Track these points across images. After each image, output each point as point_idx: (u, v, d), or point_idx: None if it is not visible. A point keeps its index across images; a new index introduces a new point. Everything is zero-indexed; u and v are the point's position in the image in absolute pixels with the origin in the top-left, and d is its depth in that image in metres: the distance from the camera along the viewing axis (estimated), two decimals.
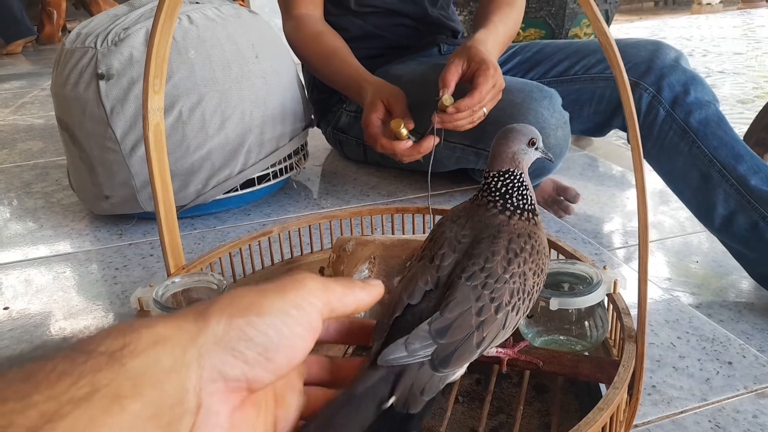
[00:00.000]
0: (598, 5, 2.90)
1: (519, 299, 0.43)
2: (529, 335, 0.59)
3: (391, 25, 1.36)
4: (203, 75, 1.03)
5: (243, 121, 1.08)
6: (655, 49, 1.22)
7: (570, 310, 0.55)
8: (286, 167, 1.19)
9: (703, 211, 1.16)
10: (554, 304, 0.53)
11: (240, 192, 1.12)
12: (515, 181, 0.48)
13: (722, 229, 1.10)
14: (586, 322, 0.55)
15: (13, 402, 0.20)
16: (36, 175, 1.47)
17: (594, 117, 1.29)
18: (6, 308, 0.86)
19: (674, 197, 1.15)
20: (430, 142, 0.92)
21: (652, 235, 1.13)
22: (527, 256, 0.44)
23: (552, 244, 0.68)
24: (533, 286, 0.45)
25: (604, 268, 0.57)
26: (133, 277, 0.93)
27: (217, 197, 1.09)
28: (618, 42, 1.28)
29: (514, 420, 0.56)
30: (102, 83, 1.00)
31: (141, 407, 0.22)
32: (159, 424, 0.23)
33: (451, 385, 0.60)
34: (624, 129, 1.26)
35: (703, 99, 1.17)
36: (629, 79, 1.31)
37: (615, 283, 0.55)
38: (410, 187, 1.27)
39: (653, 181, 1.22)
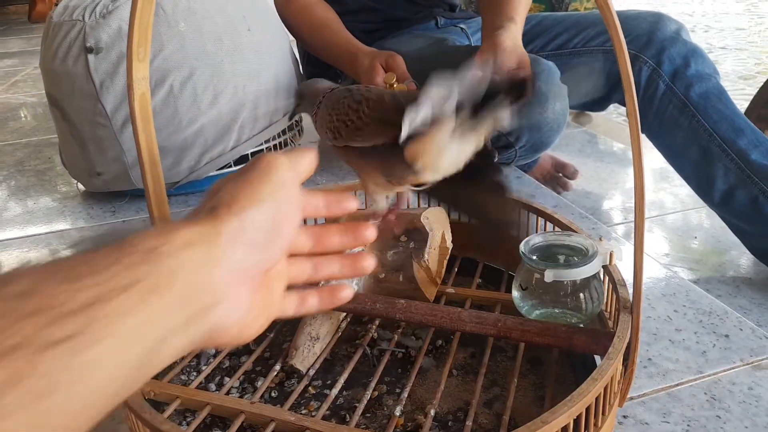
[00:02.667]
0: None
1: None
2: (524, 308, 0.58)
3: None
4: (194, 48, 1.01)
5: (236, 95, 1.06)
6: (655, 20, 1.19)
7: (565, 282, 0.54)
8: (280, 143, 1.18)
9: (703, 186, 1.14)
10: (549, 275, 0.52)
11: (234, 168, 1.11)
12: None
13: (722, 204, 1.08)
14: (581, 294, 0.54)
15: (68, 284, 0.24)
16: (28, 153, 1.45)
17: (593, 91, 1.27)
18: None
19: (674, 175, 1.14)
20: None
21: (652, 211, 1.12)
22: None
23: (548, 217, 0.67)
24: None
25: (600, 239, 0.56)
26: None
27: (211, 173, 1.08)
28: (618, 14, 1.25)
29: (509, 392, 0.56)
30: (91, 57, 0.98)
31: (174, 297, 0.27)
32: (189, 311, 0.28)
33: (445, 358, 0.60)
34: (624, 104, 1.24)
35: (704, 72, 1.14)
36: (629, 52, 1.29)
37: (611, 255, 0.54)
38: None
39: (654, 158, 1.21)
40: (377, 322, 0.64)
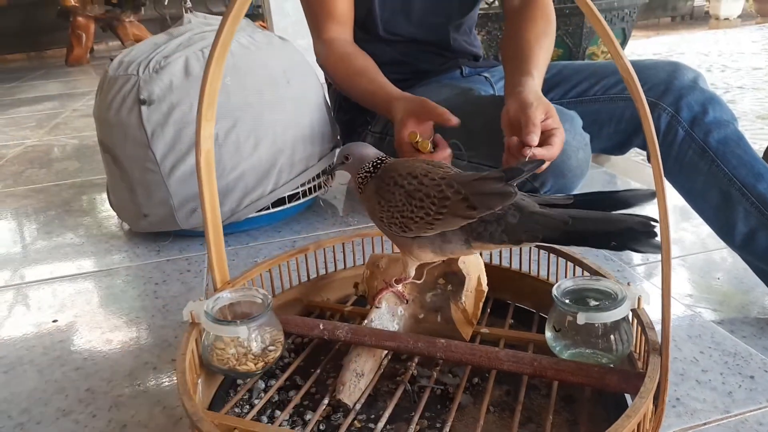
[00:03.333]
0: (614, 23, 2.90)
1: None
2: (557, 348, 0.62)
3: (416, 51, 1.41)
4: (238, 100, 1.09)
5: (275, 143, 1.13)
6: (672, 69, 1.25)
7: (596, 325, 0.58)
8: (314, 186, 1.24)
9: (724, 228, 1.18)
10: (581, 318, 0.56)
11: (271, 210, 1.17)
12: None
13: (743, 247, 1.11)
14: (612, 336, 0.58)
15: None
16: (74, 194, 1.54)
17: (614, 136, 1.32)
18: (55, 321, 0.91)
19: (694, 214, 1.17)
20: (445, 153, 0.95)
21: (674, 251, 1.15)
22: None
23: (576, 261, 0.71)
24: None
25: (628, 284, 0.60)
26: (173, 292, 0.98)
27: (250, 215, 1.14)
28: (635, 64, 1.31)
29: (544, 429, 0.59)
30: (144, 108, 1.06)
31: None
32: None
33: (482, 395, 0.64)
34: (643, 148, 1.29)
35: (722, 118, 1.19)
36: (648, 100, 1.35)
37: (639, 299, 0.58)
38: None
39: (674, 197, 1.24)
40: (416, 360, 0.68)
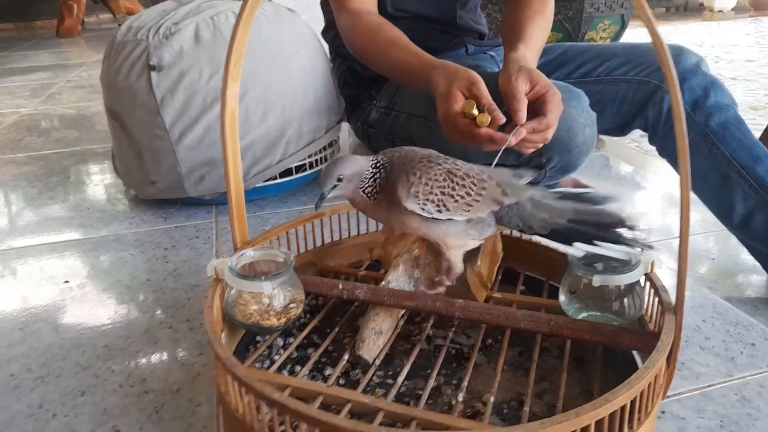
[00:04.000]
0: (614, 9, 2.90)
1: None
2: (570, 311, 0.64)
3: (423, 29, 1.41)
4: (248, 69, 1.08)
5: (284, 113, 1.13)
6: (676, 53, 1.26)
7: (611, 287, 0.60)
8: (321, 158, 1.25)
9: (722, 210, 1.20)
10: (597, 280, 0.58)
11: (278, 180, 1.18)
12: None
13: (741, 228, 1.14)
14: (625, 299, 0.60)
15: None
16: (75, 162, 1.53)
17: (616, 118, 1.34)
18: (66, 282, 0.92)
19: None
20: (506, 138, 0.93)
21: (668, 234, 1.18)
22: None
23: None
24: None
25: (641, 251, 0.62)
26: (183, 257, 0.98)
27: (257, 185, 1.15)
28: (640, 46, 1.33)
29: (557, 387, 0.61)
30: (153, 74, 1.06)
31: None
32: None
33: (495, 355, 0.66)
34: (645, 129, 1.31)
35: (723, 102, 1.21)
36: (651, 82, 1.36)
37: (652, 264, 0.60)
38: None
39: (669, 184, 1.27)
40: (431, 322, 0.70)
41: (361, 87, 1.44)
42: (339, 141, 1.35)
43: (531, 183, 1.28)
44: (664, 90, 1.24)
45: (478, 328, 0.71)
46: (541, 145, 0.97)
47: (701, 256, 1.06)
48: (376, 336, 0.64)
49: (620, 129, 1.36)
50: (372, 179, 0.62)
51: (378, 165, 0.62)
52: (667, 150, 1.27)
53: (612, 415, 0.43)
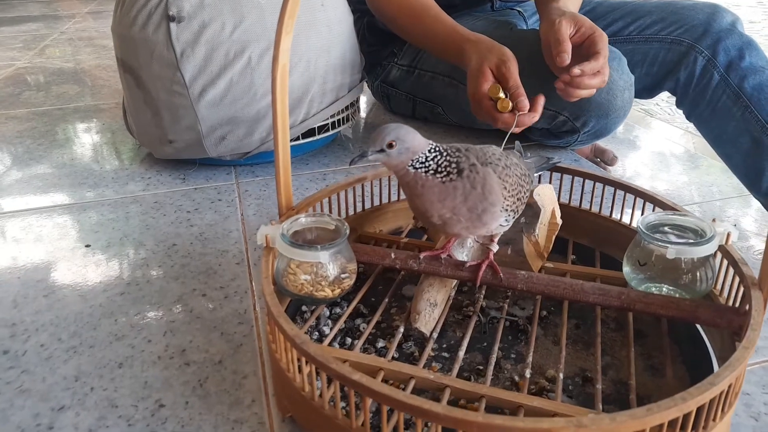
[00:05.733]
0: None
1: None
2: (634, 282, 0.61)
3: None
4: (273, 21, 1.02)
5: (308, 69, 1.08)
6: (712, 11, 1.21)
7: (684, 260, 0.57)
8: (342, 119, 1.20)
9: (751, 175, 1.18)
10: (672, 252, 0.55)
11: (301, 141, 1.13)
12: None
13: None
14: (698, 272, 0.57)
15: None
16: (79, 118, 1.46)
17: (645, 78, 1.29)
18: (88, 245, 0.88)
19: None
20: (535, 116, 0.91)
21: (687, 198, 1.15)
22: None
23: (648, 197, 0.70)
24: None
25: (713, 220, 0.59)
26: (208, 220, 0.94)
27: None
28: (675, 4, 1.28)
29: (620, 362, 0.59)
30: (173, 25, 0.99)
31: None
32: None
33: (552, 328, 0.63)
34: (673, 92, 1.26)
35: (758, 64, 1.17)
36: (685, 42, 1.31)
37: (728, 235, 0.57)
38: (460, 142, 1.28)
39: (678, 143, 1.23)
40: (483, 292, 0.67)
41: (381, 44, 1.38)
42: (359, 101, 1.30)
43: (561, 147, 1.26)
44: (697, 50, 1.19)
45: (530, 298, 0.68)
46: (596, 87, 0.94)
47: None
48: (432, 308, 0.61)
49: (648, 91, 1.32)
50: (433, 161, 0.54)
51: (439, 150, 0.55)
52: (697, 114, 1.23)
53: (712, 399, 0.41)
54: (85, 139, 1.33)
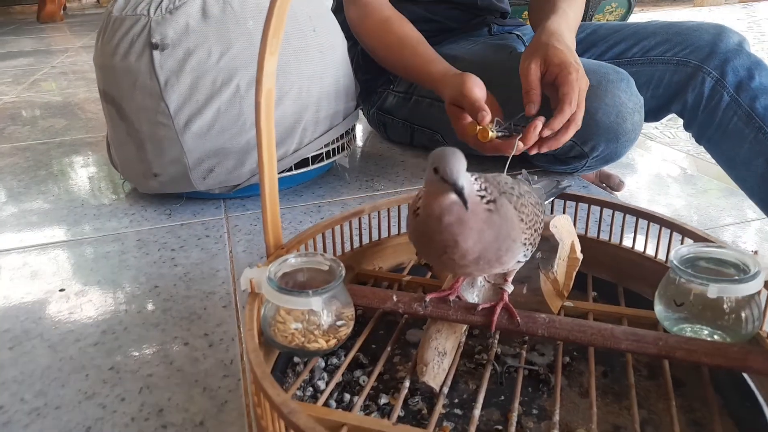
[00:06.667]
0: None
1: None
2: (667, 323, 0.54)
3: (442, 10, 1.31)
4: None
5: (300, 96, 1.02)
6: (718, 32, 1.17)
7: (725, 299, 0.50)
8: (337, 147, 1.14)
9: (767, 199, 1.12)
10: (713, 291, 0.49)
11: (294, 172, 1.07)
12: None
13: None
14: (743, 313, 0.50)
15: None
16: (64, 153, 1.41)
17: (650, 101, 1.24)
18: (62, 290, 0.81)
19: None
20: (513, 143, 0.86)
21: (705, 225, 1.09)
22: None
23: (676, 227, 0.64)
24: None
25: (754, 252, 0.52)
26: (193, 259, 0.87)
27: None
28: (679, 25, 1.23)
29: (658, 417, 0.52)
30: (156, 53, 0.94)
31: None
32: None
33: (576, 377, 0.56)
34: (681, 114, 1.21)
35: None
36: (691, 63, 1.26)
37: None
38: None
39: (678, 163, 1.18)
40: (498, 336, 0.60)
41: (376, 71, 1.33)
42: (355, 129, 1.24)
43: (568, 173, 1.20)
44: (705, 71, 1.14)
45: (551, 342, 0.61)
46: (571, 135, 0.89)
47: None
48: (440, 358, 0.54)
49: (654, 114, 1.27)
50: (477, 183, 0.47)
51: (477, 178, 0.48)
52: (707, 137, 1.18)
53: None
54: (68, 174, 1.27)
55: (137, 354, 0.66)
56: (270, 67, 0.51)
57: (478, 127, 0.85)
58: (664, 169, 1.39)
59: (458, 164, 0.43)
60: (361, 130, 1.53)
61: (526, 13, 2.23)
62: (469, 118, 0.90)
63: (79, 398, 0.60)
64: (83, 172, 1.27)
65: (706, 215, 1.12)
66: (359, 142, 1.45)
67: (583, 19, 2.38)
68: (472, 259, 0.47)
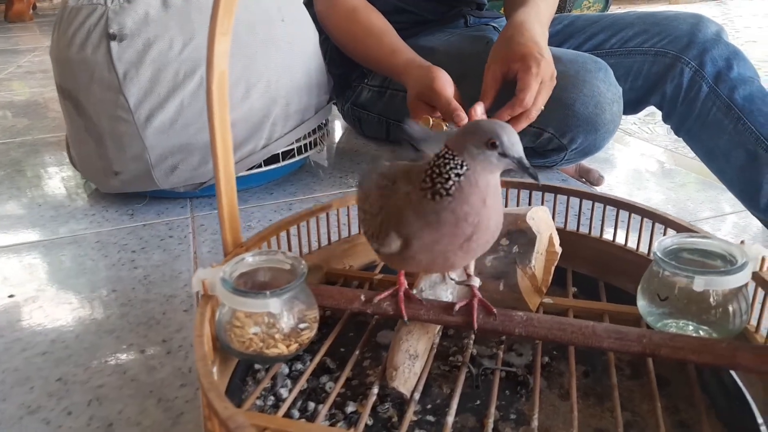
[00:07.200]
0: None
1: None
2: (651, 319, 0.51)
3: (419, 1, 1.27)
4: None
5: (269, 90, 0.98)
6: (696, 22, 1.15)
7: (712, 292, 0.47)
8: (309, 143, 1.10)
9: (747, 191, 1.10)
10: (700, 283, 0.46)
11: (263, 169, 1.02)
12: (449, 161, 0.43)
13: None
14: (730, 306, 0.47)
15: None
16: (26, 153, 1.34)
17: (629, 93, 1.22)
18: (11, 296, 0.75)
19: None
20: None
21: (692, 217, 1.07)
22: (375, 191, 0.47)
23: (658, 218, 0.61)
24: (362, 218, 0.49)
25: (741, 242, 0.49)
26: (155, 261, 0.83)
27: (239, 174, 0.99)
28: (657, 15, 1.21)
29: (643, 419, 0.49)
30: (114, 44, 0.89)
31: None
32: None
33: (555, 378, 0.53)
34: (660, 107, 1.19)
35: (746, 74, 1.11)
36: (670, 53, 1.24)
37: (762, 260, 0.48)
38: None
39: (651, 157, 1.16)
40: (473, 337, 0.57)
41: (350, 64, 1.29)
42: (328, 124, 1.20)
43: (547, 167, 1.17)
44: (683, 62, 1.12)
45: (529, 342, 0.58)
46: (521, 127, 0.87)
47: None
48: (412, 361, 0.50)
49: (633, 106, 1.24)
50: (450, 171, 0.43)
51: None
52: (686, 128, 1.16)
53: None
54: (27, 175, 1.21)
55: (88, 363, 0.62)
56: (222, 47, 0.47)
57: (431, 121, 0.82)
58: (642, 164, 1.38)
59: (518, 138, 0.42)
60: (336, 125, 1.49)
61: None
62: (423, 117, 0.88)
63: (20, 413, 0.55)
64: (43, 173, 1.21)
65: (684, 209, 1.10)
66: (334, 137, 1.41)
67: (562, 12, 2.37)
68: (483, 242, 0.44)
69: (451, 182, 0.42)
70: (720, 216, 1.11)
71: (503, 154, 0.42)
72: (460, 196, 0.42)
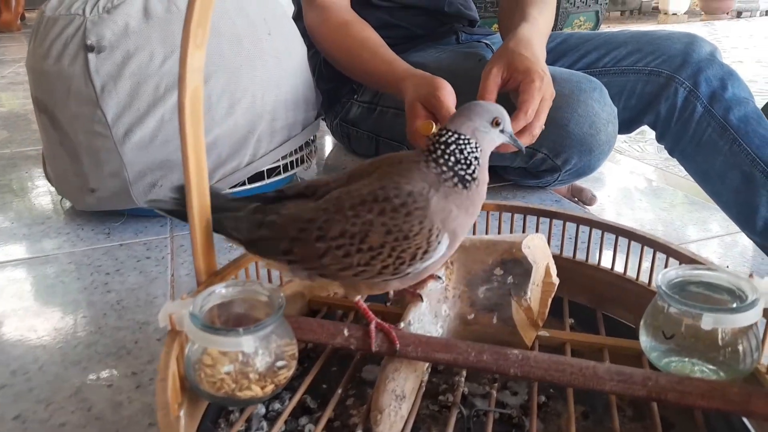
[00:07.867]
0: (589, 5, 2.87)
1: (351, 243, 0.43)
2: (654, 356, 0.48)
3: (409, 17, 1.25)
4: (210, 50, 0.89)
5: (254, 105, 0.94)
6: (690, 41, 1.14)
7: (720, 330, 0.44)
8: (296, 160, 1.06)
9: (743, 213, 1.08)
10: (708, 321, 0.42)
11: (247, 186, 0.99)
12: (465, 145, 0.45)
13: (764, 233, 1.02)
14: (740, 345, 0.44)
15: None
16: (2, 167, 1.30)
17: (623, 113, 1.20)
18: None
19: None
20: None
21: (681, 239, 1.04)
22: (389, 208, 0.42)
23: (660, 247, 0.58)
24: (382, 245, 0.42)
25: (750, 275, 0.46)
26: (129, 284, 0.78)
27: (223, 192, 0.95)
28: (651, 34, 1.20)
29: None
30: (91, 56, 0.85)
31: None
32: None
33: (553, 419, 0.49)
34: (654, 126, 1.17)
35: (741, 95, 1.09)
36: (664, 73, 1.21)
37: None
38: None
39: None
40: (464, 374, 0.53)
41: (339, 80, 1.26)
42: (316, 140, 1.17)
43: (539, 187, 1.15)
44: (677, 81, 1.10)
45: (524, 381, 0.54)
46: (529, 142, 0.83)
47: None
48: (398, 402, 0.46)
49: (627, 125, 1.22)
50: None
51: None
52: (680, 149, 1.14)
53: None
54: (2, 191, 1.16)
55: (50, 399, 0.57)
56: (195, 62, 0.44)
57: (434, 126, 0.78)
58: (632, 183, 1.35)
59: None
60: (324, 141, 1.46)
61: (496, 26, 2.20)
62: (422, 121, 0.84)
63: None
64: (19, 188, 1.17)
65: (672, 228, 1.08)
66: (323, 154, 1.38)
67: (553, 30, 2.37)
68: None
69: (473, 167, 0.45)
70: (714, 237, 1.08)
71: (502, 131, 0.47)
72: (481, 178, 0.45)
